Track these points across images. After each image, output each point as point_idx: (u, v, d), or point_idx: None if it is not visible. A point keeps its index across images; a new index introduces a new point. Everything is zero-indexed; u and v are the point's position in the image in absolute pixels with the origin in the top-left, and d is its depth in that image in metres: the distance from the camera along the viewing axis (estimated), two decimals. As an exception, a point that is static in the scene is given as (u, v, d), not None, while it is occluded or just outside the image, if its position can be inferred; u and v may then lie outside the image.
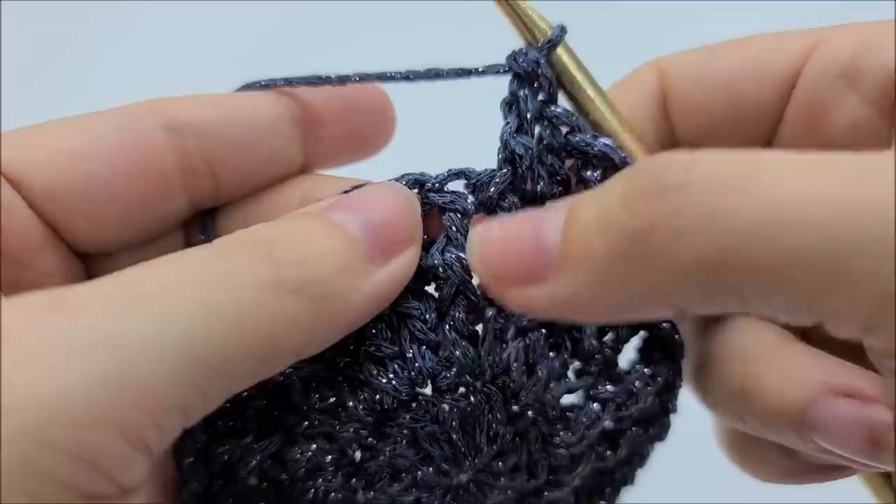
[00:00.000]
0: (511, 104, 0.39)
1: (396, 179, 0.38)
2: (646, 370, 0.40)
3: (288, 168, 0.41)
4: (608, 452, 0.43)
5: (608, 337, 0.40)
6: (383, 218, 0.35)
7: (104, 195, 0.37)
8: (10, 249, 0.36)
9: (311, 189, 0.40)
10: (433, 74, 0.39)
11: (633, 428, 0.42)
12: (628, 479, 0.46)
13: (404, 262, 0.36)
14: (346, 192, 0.38)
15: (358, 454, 0.38)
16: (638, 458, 0.45)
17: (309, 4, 0.82)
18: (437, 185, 0.38)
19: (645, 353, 0.41)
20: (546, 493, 0.42)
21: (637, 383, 0.40)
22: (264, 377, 0.32)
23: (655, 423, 0.43)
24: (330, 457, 0.38)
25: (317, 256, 0.32)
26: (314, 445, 0.38)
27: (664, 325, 0.40)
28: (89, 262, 0.40)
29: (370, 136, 0.42)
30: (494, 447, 0.38)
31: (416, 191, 0.38)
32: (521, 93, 0.38)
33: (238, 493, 0.39)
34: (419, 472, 0.38)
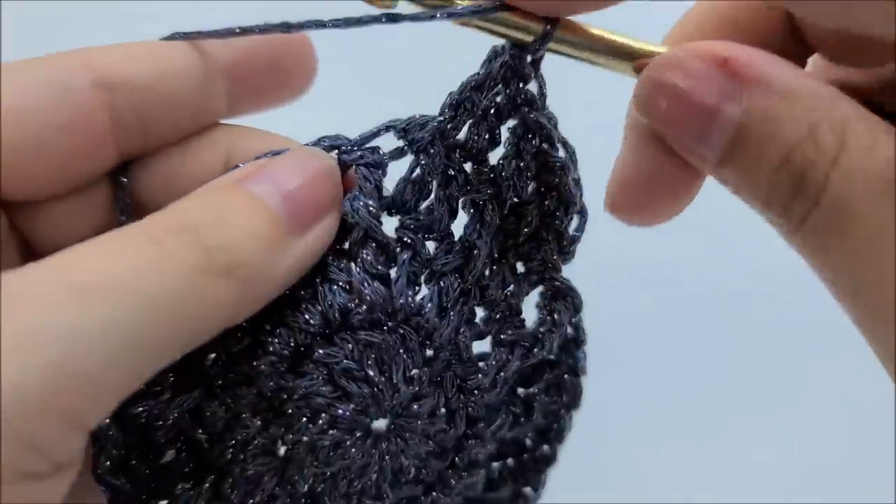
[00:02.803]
0: (490, 63, 0.39)
1: (313, 143, 0.40)
2: (548, 318, 0.43)
3: (213, 118, 0.41)
4: (523, 418, 0.45)
5: (510, 289, 0.43)
6: (302, 189, 0.37)
7: (34, 151, 0.37)
8: None
9: (235, 146, 0.41)
10: (383, 18, 0.37)
11: (545, 395, 0.45)
12: (551, 458, 0.47)
13: (324, 230, 0.37)
14: (266, 155, 0.39)
15: (276, 399, 0.38)
16: (555, 432, 0.47)
17: (308, 4, 0.84)
18: (350, 146, 0.39)
19: (546, 304, 0.43)
20: (467, 448, 0.43)
21: (541, 328, 0.43)
22: (191, 349, 0.34)
23: (567, 388, 0.45)
24: (247, 399, 0.38)
25: (244, 240, 0.34)
26: (233, 392, 0.38)
27: (559, 280, 0.43)
28: (12, 210, 0.39)
29: (292, 81, 0.43)
30: (411, 389, 0.39)
31: (334, 154, 0.39)
32: (507, 61, 0.38)
33: (155, 465, 0.39)
34: (338, 410, 0.38)
